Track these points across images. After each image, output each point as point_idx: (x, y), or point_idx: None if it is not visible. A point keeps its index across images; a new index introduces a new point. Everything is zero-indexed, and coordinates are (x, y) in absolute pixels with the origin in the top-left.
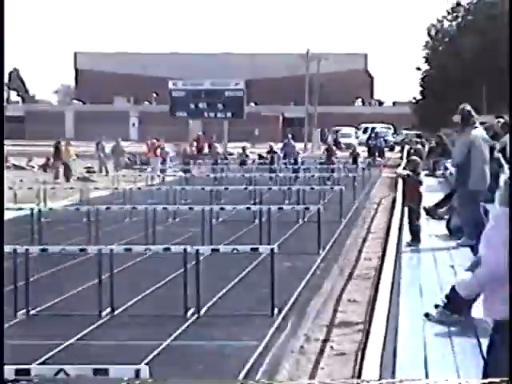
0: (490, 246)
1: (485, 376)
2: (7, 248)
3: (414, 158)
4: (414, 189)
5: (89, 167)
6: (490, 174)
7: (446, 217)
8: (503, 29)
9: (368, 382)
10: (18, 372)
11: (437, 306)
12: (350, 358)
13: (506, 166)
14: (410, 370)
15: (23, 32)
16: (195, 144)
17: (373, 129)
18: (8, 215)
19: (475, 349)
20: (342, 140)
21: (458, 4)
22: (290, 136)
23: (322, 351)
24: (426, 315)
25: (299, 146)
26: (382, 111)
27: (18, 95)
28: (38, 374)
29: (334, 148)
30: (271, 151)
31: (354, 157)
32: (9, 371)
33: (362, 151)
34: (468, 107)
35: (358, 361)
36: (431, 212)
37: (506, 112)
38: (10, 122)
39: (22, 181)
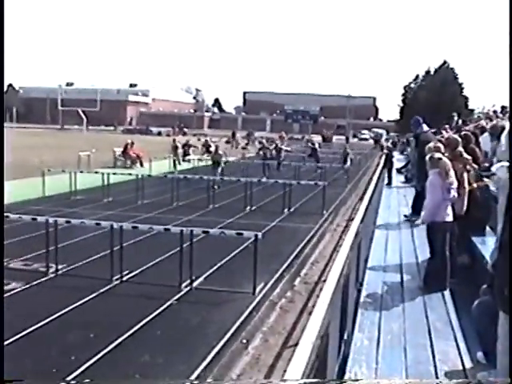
0: (429, 192)
1: None
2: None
3: (389, 145)
4: (390, 159)
5: (247, 143)
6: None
7: (406, 173)
8: (440, 89)
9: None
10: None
11: (405, 216)
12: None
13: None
14: (381, 240)
15: (218, 79)
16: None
17: (377, 131)
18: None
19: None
20: (363, 136)
21: (417, 76)
22: (331, 132)
23: (344, 231)
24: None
25: (342, 136)
26: (383, 124)
27: (218, 109)
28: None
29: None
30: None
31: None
32: None
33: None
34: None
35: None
36: (398, 170)
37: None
38: (214, 122)
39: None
